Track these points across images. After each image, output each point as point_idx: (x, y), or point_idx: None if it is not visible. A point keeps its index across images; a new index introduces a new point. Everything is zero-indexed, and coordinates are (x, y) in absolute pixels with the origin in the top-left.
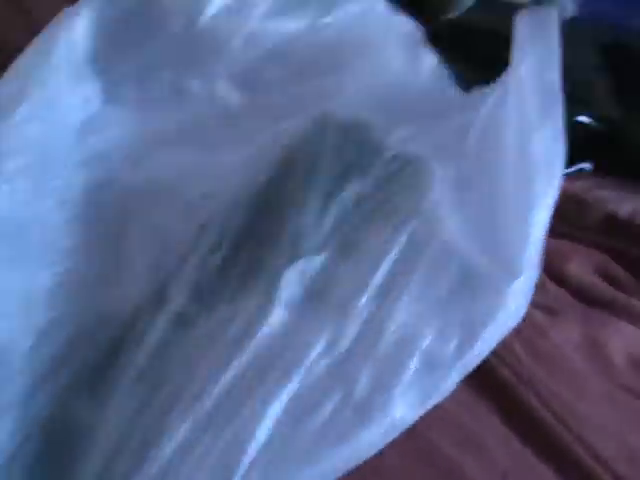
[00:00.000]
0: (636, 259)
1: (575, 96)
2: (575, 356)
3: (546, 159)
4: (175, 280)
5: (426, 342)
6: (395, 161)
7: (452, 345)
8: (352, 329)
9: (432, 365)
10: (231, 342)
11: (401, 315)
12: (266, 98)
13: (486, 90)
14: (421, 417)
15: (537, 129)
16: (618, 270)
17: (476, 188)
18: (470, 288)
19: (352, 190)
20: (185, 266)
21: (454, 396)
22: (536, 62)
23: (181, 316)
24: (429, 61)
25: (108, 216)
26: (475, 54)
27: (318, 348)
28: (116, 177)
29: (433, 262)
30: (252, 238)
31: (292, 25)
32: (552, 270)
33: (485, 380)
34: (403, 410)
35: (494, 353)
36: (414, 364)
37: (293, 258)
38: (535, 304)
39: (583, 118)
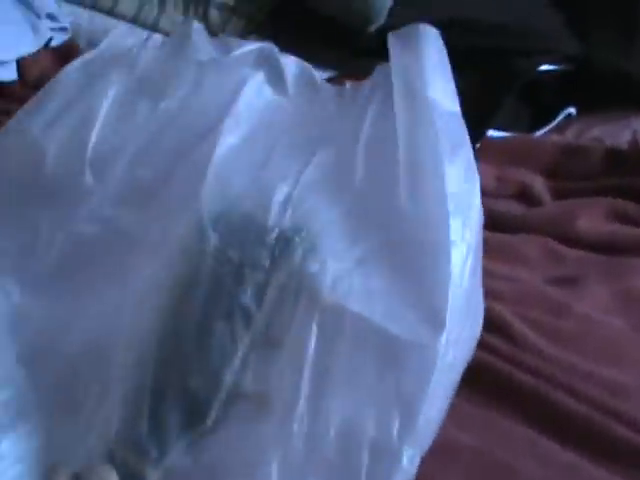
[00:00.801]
0: None
1: (534, 47)
2: (608, 319)
3: (459, 198)
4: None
5: (369, 433)
6: (278, 243)
7: (395, 427)
8: (298, 440)
9: (381, 454)
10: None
11: (338, 412)
12: (148, 207)
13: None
14: (437, 460)
15: (447, 170)
16: (628, 206)
17: (376, 238)
18: (396, 358)
19: (250, 290)
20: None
21: (476, 427)
22: (433, 91)
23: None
24: (280, 97)
25: (54, 383)
26: None
27: (274, 466)
28: (54, 348)
29: (352, 343)
30: (175, 378)
31: (133, 127)
32: (563, 234)
33: (505, 395)
34: None
35: (510, 360)
36: (364, 460)
37: (219, 382)
38: (551, 281)
39: (546, 67)
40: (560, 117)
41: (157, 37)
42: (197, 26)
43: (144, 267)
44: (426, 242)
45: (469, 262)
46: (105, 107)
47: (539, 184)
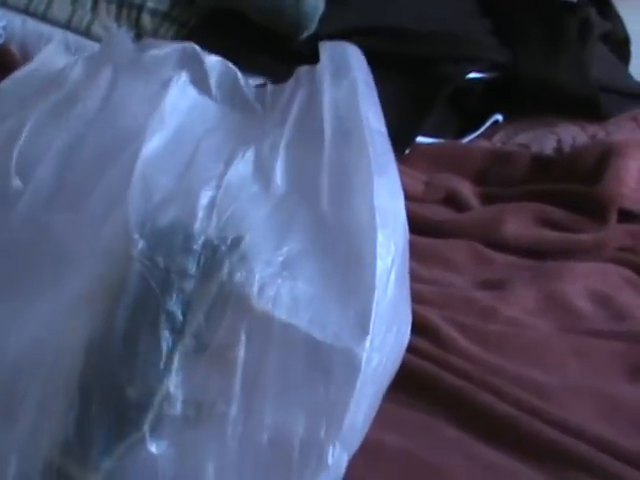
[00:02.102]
0: (571, 194)
1: (462, 55)
2: (534, 322)
3: (386, 212)
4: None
5: (299, 435)
6: (205, 250)
7: (322, 428)
8: (232, 442)
9: (309, 454)
10: None
11: (269, 415)
12: (77, 210)
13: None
14: (366, 460)
15: (376, 184)
16: (556, 212)
17: (300, 242)
18: (323, 363)
19: (177, 296)
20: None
21: (404, 429)
22: (364, 110)
23: None
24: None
25: None
26: None
27: (209, 471)
28: None
29: (280, 350)
30: (105, 385)
31: (57, 130)
32: (490, 239)
33: (433, 397)
34: None
35: (438, 363)
36: (295, 460)
37: (148, 388)
38: (478, 285)
39: (473, 75)
40: (487, 123)
41: (87, 54)
42: (120, 31)
43: (75, 271)
44: (352, 251)
45: (393, 273)
46: (32, 119)
47: (467, 189)
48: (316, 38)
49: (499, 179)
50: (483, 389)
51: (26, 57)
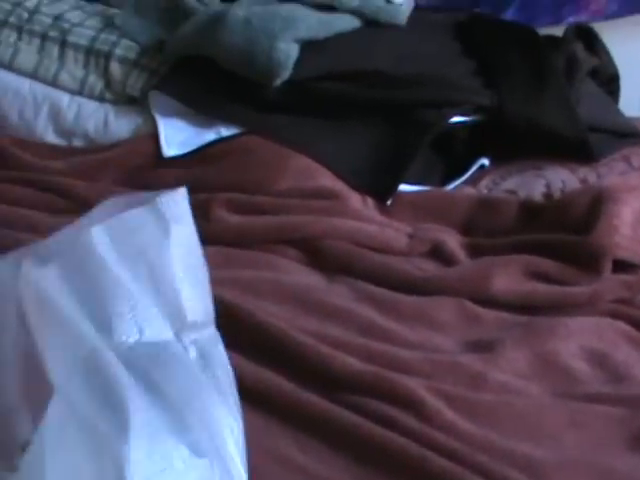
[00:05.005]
0: (563, 244)
1: (444, 99)
2: (527, 386)
3: None
4: None
5: None
6: None
7: None
8: None
9: None
10: None
11: None
12: None
13: None
14: None
15: None
16: (547, 264)
17: None
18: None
19: None
20: None
21: None
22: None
23: None
24: None
25: None
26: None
27: None
28: None
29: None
30: None
31: None
32: (478, 295)
33: None
34: None
35: (422, 441)
36: None
37: None
38: (466, 346)
39: (457, 119)
40: (473, 168)
41: None
42: None
43: None
44: None
45: None
46: None
47: (453, 241)
48: (291, 84)
49: (486, 228)
50: (471, 470)
51: None
